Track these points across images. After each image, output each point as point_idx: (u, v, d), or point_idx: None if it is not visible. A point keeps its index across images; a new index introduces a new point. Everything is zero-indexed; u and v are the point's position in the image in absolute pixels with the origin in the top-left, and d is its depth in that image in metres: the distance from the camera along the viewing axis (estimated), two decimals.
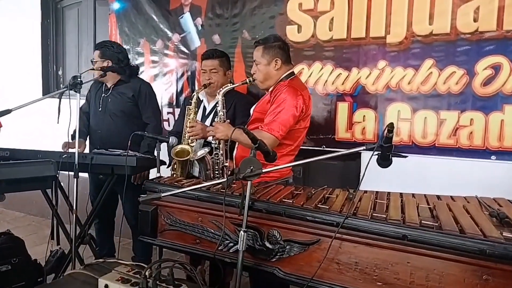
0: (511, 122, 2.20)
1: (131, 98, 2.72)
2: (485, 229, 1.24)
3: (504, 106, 2.22)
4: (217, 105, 2.28)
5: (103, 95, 2.77)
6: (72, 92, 2.17)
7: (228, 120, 2.23)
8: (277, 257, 1.51)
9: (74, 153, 2.20)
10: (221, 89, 2.27)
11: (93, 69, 2.67)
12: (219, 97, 2.25)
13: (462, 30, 2.28)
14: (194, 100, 2.43)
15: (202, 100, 2.62)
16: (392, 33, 2.46)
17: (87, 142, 2.89)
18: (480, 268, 1.19)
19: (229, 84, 2.32)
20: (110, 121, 2.73)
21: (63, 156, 2.26)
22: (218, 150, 2.25)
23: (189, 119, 2.41)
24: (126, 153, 2.20)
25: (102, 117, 2.76)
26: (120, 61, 2.73)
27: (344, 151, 1.46)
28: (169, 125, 3.35)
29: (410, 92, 2.44)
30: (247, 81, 2.24)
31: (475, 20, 2.25)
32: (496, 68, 2.22)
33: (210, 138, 2.33)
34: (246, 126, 2.22)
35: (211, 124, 2.47)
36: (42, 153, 2.36)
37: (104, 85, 2.80)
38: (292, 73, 2.20)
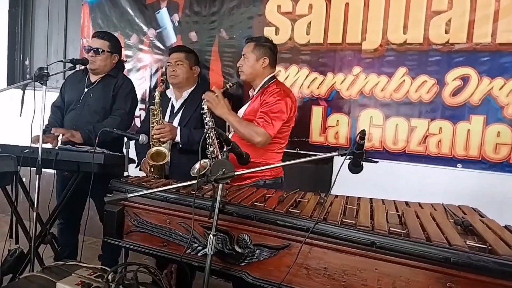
0: (477, 132, 2.28)
1: (113, 94, 2.61)
2: (450, 237, 1.26)
3: (471, 116, 2.29)
4: (204, 115, 2.26)
5: (84, 89, 2.64)
6: (38, 84, 2.06)
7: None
8: (246, 261, 1.49)
9: (38, 148, 2.09)
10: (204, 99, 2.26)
11: (77, 62, 2.41)
12: (204, 107, 2.25)
13: (434, 41, 2.35)
14: (156, 100, 2.38)
15: (170, 97, 2.56)
16: (368, 40, 2.50)
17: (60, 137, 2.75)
18: (444, 276, 1.20)
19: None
20: (88, 117, 2.58)
21: (25, 151, 2.15)
22: (212, 146, 2.21)
23: (154, 119, 2.35)
24: (93, 150, 2.12)
25: (79, 112, 2.61)
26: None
27: (318, 156, 1.48)
28: (140, 121, 3.27)
29: (383, 99, 2.49)
30: (227, 86, 2.30)
31: (446, 32, 2.32)
32: (465, 79, 2.30)
33: (177, 138, 2.31)
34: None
35: (179, 123, 2.43)
36: (3, 147, 2.23)
37: (87, 78, 2.67)
38: (274, 76, 2.29)
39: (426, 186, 2.34)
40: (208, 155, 2.23)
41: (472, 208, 1.73)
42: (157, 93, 2.42)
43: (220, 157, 2.17)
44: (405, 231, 1.31)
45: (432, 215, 1.53)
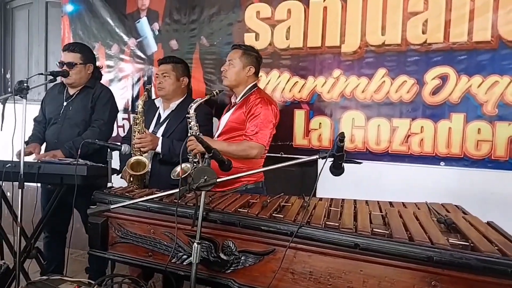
0: (458, 129, 2.31)
1: (91, 106, 2.58)
2: (432, 236, 1.27)
3: (451, 114, 2.32)
4: (189, 119, 2.27)
5: (64, 102, 2.61)
6: (18, 97, 2.04)
7: (201, 134, 2.21)
8: (232, 268, 1.48)
9: (19, 162, 2.05)
10: (191, 104, 2.28)
11: (57, 74, 2.43)
12: (191, 111, 2.26)
13: (412, 41, 2.38)
14: (139, 109, 2.38)
15: (159, 107, 2.55)
16: (347, 43, 2.52)
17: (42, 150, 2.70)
18: (428, 275, 1.21)
19: (199, 99, 2.32)
20: (69, 130, 2.56)
21: (7, 166, 2.11)
22: (197, 164, 2.21)
23: (136, 128, 2.34)
24: (75, 162, 2.09)
25: (60, 126, 2.59)
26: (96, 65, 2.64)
27: (299, 160, 1.47)
28: (124, 132, 3.24)
29: (364, 100, 2.51)
30: (214, 93, 2.33)
31: (423, 32, 2.35)
32: (444, 78, 2.33)
33: (158, 148, 2.32)
34: (219, 135, 2.29)
35: (163, 133, 2.42)
36: None
37: (66, 91, 2.64)
38: (256, 84, 2.33)
39: (410, 186, 2.36)
40: (190, 159, 2.22)
41: (456, 205, 1.75)
42: (140, 102, 2.40)
43: (201, 162, 2.18)
44: (388, 232, 1.32)
45: (415, 215, 1.54)
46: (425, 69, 2.36)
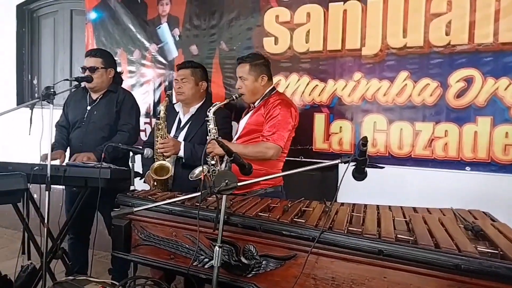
0: (484, 133, 2.25)
1: (116, 110, 2.64)
2: (460, 243, 1.24)
3: (477, 117, 2.26)
4: (208, 123, 2.28)
5: (87, 107, 2.68)
6: (45, 102, 2.10)
7: (220, 137, 2.23)
8: (253, 272, 1.48)
9: (47, 165, 2.12)
10: (211, 108, 2.30)
11: (82, 80, 2.50)
12: (210, 115, 2.28)
13: (435, 43, 2.33)
14: (162, 114, 2.41)
15: (178, 112, 2.58)
16: (367, 46, 2.49)
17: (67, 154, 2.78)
18: (455, 283, 1.18)
19: (218, 102, 2.34)
20: (93, 134, 2.62)
21: (35, 169, 2.18)
22: (215, 166, 2.23)
23: (159, 134, 2.37)
24: (100, 165, 2.14)
25: (85, 130, 2.65)
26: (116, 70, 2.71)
27: (321, 164, 1.47)
28: (145, 136, 3.29)
29: (386, 103, 2.47)
30: (234, 97, 2.32)
31: (447, 34, 2.30)
32: (469, 80, 2.27)
33: (181, 153, 2.34)
34: (238, 138, 2.30)
35: (185, 137, 2.45)
36: (13, 165, 2.27)
37: (89, 96, 2.71)
38: (274, 87, 2.35)
39: (434, 191, 2.30)
40: (208, 161, 2.23)
41: (483, 212, 1.69)
42: (162, 108, 2.44)
43: (220, 167, 2.20)
44: (413, 238, 1.29)
45: (440, 221, 1.50)
46: (449, 72, 2.31)
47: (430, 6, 2.33)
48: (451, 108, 2.32)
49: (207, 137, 2.29)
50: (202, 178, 1.69)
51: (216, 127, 2.28)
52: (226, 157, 2.09)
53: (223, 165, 2.24)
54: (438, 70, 2.33)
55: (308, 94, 2.68)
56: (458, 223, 1.50)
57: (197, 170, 2.16)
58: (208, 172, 2.20)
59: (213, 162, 2.24)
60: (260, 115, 2.22)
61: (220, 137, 2.21)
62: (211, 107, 2.30)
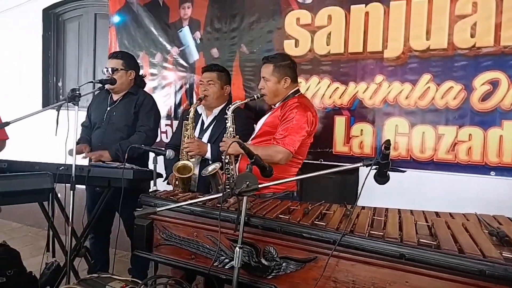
0: (510, 137, 2.19)
1: (135, 111, 2.70)
2: (484, 249, 1.22)
3: (502, 121, 2.21)
4: (226, 121, 2.30)
5: (107, 108, 2.74)
6: (70, 104, 2.17)
7: (238, 136, 2.24)
8: (273, 274, 1.49)
9: (71, 165, 2.18)
10: (230, 106, 2.31)
11: (105, 82, 2.58)
12: (229, 113, 2.29)
13: (459, 46, 2.29)
14: (191, 115, 2.45)
15: (201, 114, 2.62)
16: (389, 48, 2.47)
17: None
18: None
19: (238, 101, 2.36)
20: (112, 135, 2.69)
21: (60, 169, 2.24)
22: (229, 165, 2.24)
23: (186, 134, 2.41)
24: (123, 166, 2.19)
25: (104, 130, 2.72)
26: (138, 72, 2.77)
27: (342, 167, 1.46)
28: (167, 137, 3.35)
29: (408, 106, 2.44)
30: (255, 97, 2.30)
31: (472, 36, 2.26)
32: (494, 83, 2.22)
33: (208, 155, 2.34)
34: (253, 138, 2.28)
35: (209, 139, 2.48)
36: (40, 165, 2.35)
37: (110, 97, 2.78)
38: (298, 90, 2.29)
39: (457, 196, 2.26)
40: (223, 160, 2.23)
41: (508, 218, 1.65)
42: (192, 109, 2.48)
43: (234, 167, 2.21)
44: (435, 243, 1.28)
45: (464, 226, 1.48)
46: (473, 74, 2.26)
47: (455, 7, 2.29)
48: (476, 111, 2.27)
49: (227, 136, 2.31)
50: (221, 179, 1.67)
51: (233, 126, 2.29)
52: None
53: (237, 164, 2.25)
54: (462, 72, 2.29)
55: (329, 96, 2.67)
56: (482, 228, 1.47)
57: (211, 167, 2.17)
58: (221, 169, 2.21)
59: (227, 160, 2.24)
60: (276, 117, 2.19)
61: (237, 136, 2.22)
62: (230, 105, 2.32)
